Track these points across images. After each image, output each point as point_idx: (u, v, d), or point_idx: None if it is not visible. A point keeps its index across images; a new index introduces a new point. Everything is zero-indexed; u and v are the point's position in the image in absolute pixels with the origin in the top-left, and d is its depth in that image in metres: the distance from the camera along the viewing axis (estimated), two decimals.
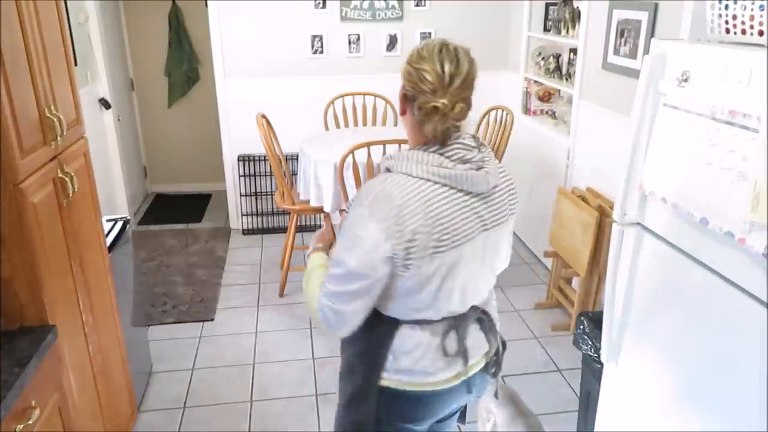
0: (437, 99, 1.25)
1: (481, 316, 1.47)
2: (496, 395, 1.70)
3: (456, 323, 1.42)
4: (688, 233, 1.50)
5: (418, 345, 1.39)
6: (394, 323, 1.40)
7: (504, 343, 1.58)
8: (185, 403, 2.74)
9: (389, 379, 1.42)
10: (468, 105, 1.30)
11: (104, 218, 2.35)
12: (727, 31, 1.49)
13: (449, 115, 1.26)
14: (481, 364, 1.50)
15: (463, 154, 1.30)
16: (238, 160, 4.50)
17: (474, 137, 1.37)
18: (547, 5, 4.03)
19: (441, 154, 1.29)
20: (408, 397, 1.43)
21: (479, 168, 1.31)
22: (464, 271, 1.35)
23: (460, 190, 1.29)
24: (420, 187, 1.27)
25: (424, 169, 1.27)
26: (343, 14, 4.27)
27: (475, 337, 1.47)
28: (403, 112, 1.36)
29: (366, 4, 4.27)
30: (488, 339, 1.50)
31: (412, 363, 1.40)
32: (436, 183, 1.28)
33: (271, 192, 4.59)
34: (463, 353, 1.43)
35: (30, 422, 1.39)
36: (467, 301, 1.43)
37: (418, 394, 1.43)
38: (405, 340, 1.39)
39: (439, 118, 1.26)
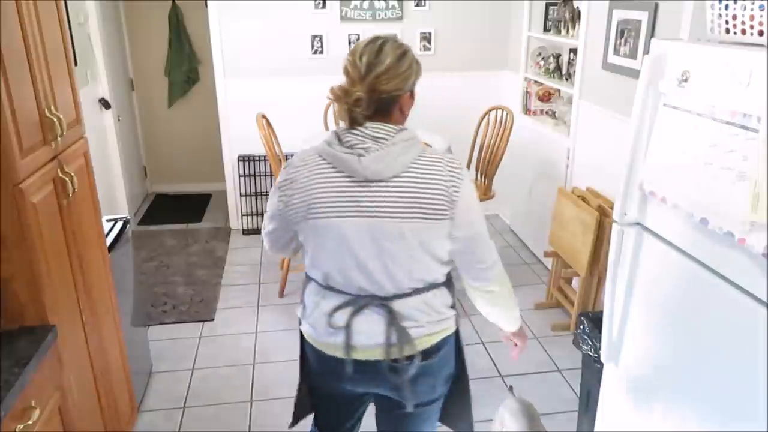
0: (343, 87, 1.39)
1: (386, 310, 1.45)
2: (420, 404, 1.58)
3: (351, 303, 1.47)
4: (688, 233, 1.50)
5: (311, 301, 1.55)
6: (309, 277, 1.57)
7: (425, 354, 1.50)
8: (185, 403, 2.74)
9: (302, 325, 1.61)
10: (375, 96, 1.36)
11: (104, 218, 2.35)
12: (727, 31, 1.49)
13: (349, 102, 1.38)
14: (375, 356, 1.48)
15: (352, 139, 1.39)
16: (238, 160, 4.50)
17: (396, 130, 1.40)
18: (547, 5, 4.02)
19: (337, 136, 1.43)
20: (310, 347, 1.59)
21: (359, 155, 1.37)
22: (337, 248, 1.42)
23: (341, 171, 1.39)
24: (312, 159, 1.44)
25: (319, 145, 1.45)
26: (343, 14, 4.27)
27: (370, 326, 1.46)
28: None
29: (366, 4, 4.27)
30: (388, 336, 1.46)
31: (308, 315, 1.56)
32: (324, 159, 1.42)
33: None
34: (346, 330, 1.47)
35: (30, 422, 1.39)
36: (352, 283, 1.45)
37: (314, 349, 1.57)
38: (308, 293, 1.57)
39: (338, 104, 1.41)
